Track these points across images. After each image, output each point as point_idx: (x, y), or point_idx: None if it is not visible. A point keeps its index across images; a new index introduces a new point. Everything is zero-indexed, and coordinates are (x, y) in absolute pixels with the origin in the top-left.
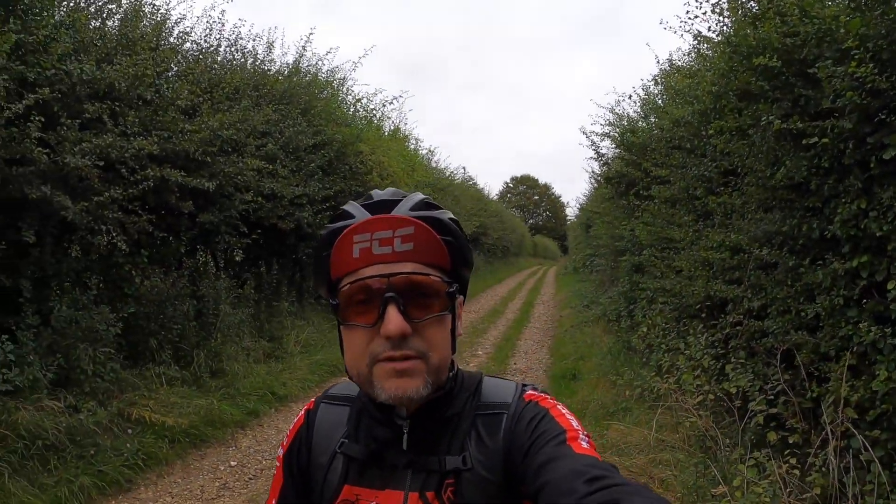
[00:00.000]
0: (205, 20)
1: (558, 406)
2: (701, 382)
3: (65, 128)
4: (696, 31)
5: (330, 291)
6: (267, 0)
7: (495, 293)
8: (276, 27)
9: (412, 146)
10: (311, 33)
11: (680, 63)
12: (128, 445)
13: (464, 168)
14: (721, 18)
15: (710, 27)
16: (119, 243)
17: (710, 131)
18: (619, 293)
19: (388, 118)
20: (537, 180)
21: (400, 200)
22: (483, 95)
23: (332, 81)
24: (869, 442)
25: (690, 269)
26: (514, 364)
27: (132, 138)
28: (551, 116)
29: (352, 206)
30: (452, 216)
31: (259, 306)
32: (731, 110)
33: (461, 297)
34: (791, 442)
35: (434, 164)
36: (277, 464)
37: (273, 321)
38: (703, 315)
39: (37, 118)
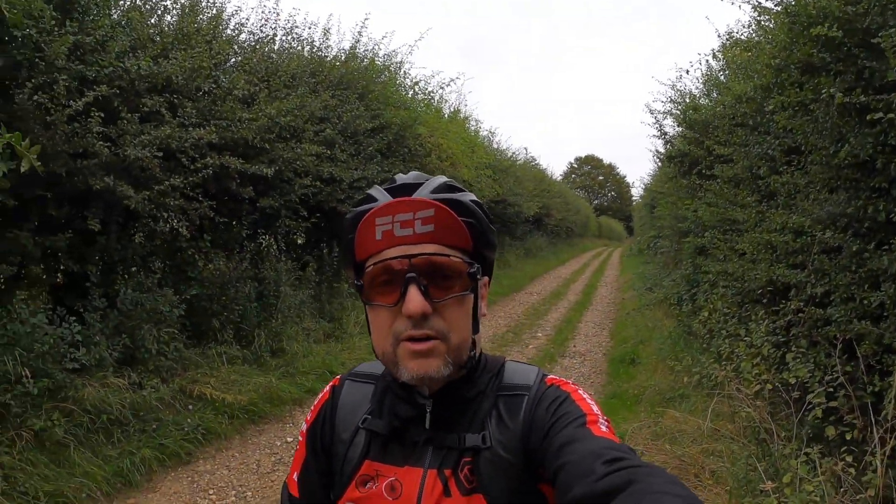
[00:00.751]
0: (260, 11)
1: (579, 391)
2: (759, 371)
3: (125, 121)
4: (755, 2)
5: (356, 273)
6: None
7: (558, 275)
8: (331, 14)
9: (472, 127)
10: (366, 18)
11: (740, 36)
12: (188, 420)
13: (525, 149)
14: None
15: None
16: (181, 229)
17: (771, 107)
18: (681, 276)
19: (446, 101)
20: (602, 160)
21: (422, 184)
22: (545, 75)
23: (389, 65)
24: None
25: (753, 252)
26: (574, 347)
27: (190, 128)
28: (617, 94)
29: (375, 190)
30: (475, 198)
31: (320, 288)
32: (792, 84)
33: (486, 277)
34: (849, 438)
35: (495, 146)
36: (301, 438)
37: (333, 302)
38: (766, 301)
39: (97, 114)
